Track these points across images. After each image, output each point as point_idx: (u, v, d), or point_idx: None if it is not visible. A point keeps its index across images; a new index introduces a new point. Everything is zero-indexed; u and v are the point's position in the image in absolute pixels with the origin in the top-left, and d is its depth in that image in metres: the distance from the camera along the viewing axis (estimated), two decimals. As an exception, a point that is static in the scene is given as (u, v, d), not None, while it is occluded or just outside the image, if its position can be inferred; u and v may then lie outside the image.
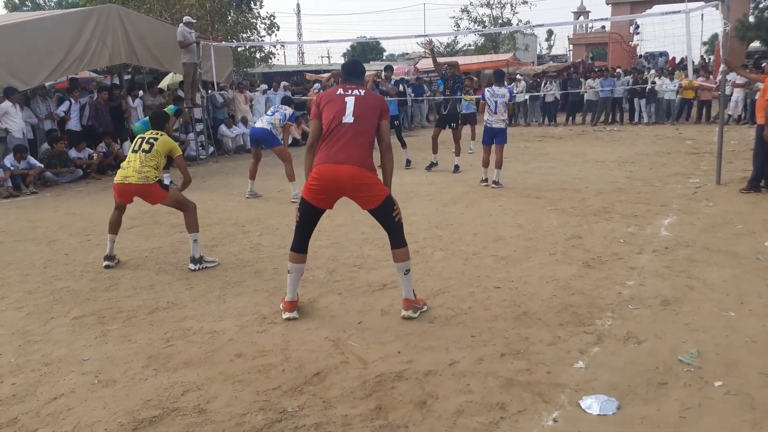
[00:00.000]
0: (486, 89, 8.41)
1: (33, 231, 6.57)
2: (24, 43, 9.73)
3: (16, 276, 4.91)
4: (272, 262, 5.04)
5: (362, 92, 3.66)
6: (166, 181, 9.19)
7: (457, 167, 9.82)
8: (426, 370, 2.99)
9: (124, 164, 4.95)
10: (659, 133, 14.50)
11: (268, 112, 8.34)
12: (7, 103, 9.31)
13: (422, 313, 3.73)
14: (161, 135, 5.06)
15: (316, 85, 17.01)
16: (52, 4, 30.87)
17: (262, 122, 8.02)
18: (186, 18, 12.00)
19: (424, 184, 8.66)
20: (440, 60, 11.16)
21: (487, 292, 4.10)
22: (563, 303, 3.84)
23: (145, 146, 4.93)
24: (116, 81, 14.58)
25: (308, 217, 3.70)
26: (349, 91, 3.65)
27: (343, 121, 3.53)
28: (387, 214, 3.61)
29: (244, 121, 14.09)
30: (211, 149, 12.88)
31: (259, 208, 7.40)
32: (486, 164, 8.38)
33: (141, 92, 12.75)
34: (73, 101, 10.95)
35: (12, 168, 9.05)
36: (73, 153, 10.31)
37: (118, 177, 4.91)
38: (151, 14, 16.02)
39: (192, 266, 4.87)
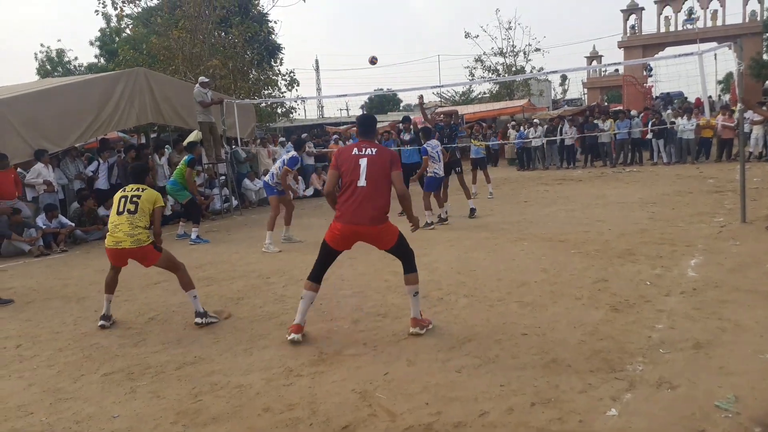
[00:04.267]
0: (425, 145, 8.90)
1: (63, 289, 6.70)
2: (55, 107, 10.19)
3: (47, 334, 4.99)
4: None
5: (374, 151, 4.14)
6: (180, 231, 9.44)
7: (473, 210, 9.80)
8: (455, 422, 2.95)
9: (111, 227, 4.82)
10: (679, 173, 14.42)
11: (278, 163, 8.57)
12: (39, 165, 9.73)
13: (429, 331, 4.18)
14: (144, 190, 4.91)
15: (335, 136, 17.43)
16: (83, 69, 32.23)
17: (269, 174, 8.46)
18: (201, 78, 12.21)
19: (445, 230, 8.69)
20: (440, 110, 11.70)
21: (515, 339, 4.05)
22: (592, 349, 3.79)
23: (130, 206, 4.77)
24: (143, 140, 15.01)
25: (327, 256, 4.29)
26: (363, 150, 4.14)
27: (358, 185, 4.06)
28: (400, 249, 4.26)
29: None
30: (235, 203, 13.13)
31: (284, 260, 7.48)
32: (442, 205, 9.38)
33: (168, 149, 13.06)
34: (101, 161, 11.35)
35: (44, 227, 9.32)
36: (102, 211, 10.59)
37: (109, 242, 4.80)
38: (176, 75, 16.66)
39: (198, 320, 4.85)
